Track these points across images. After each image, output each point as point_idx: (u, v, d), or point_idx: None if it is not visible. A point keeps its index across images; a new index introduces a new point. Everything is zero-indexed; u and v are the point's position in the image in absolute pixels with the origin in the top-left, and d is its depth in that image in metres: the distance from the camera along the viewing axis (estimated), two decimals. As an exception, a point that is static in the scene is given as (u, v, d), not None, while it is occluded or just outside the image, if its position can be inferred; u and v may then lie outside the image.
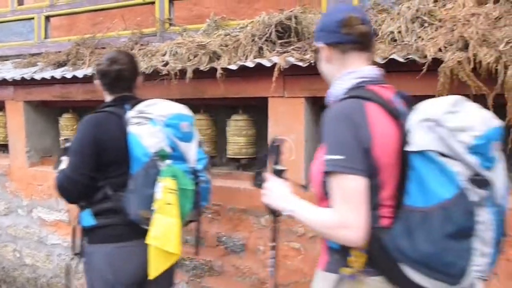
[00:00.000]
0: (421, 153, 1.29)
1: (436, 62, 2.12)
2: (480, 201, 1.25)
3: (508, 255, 2.21)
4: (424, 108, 1.34)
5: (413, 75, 2.20)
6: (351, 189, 1.31)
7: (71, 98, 3.45)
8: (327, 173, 1.36)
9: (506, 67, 1.98)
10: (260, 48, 2.74)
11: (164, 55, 2.95)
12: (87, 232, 2.12)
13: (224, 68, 2.64)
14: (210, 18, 3.37)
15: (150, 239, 1.91)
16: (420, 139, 1.30)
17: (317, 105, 2.72)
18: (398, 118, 1.39)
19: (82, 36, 3.84)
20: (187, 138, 2.06)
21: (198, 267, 3.01)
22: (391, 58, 2.23)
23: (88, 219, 2.08)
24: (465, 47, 2.10)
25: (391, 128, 1.37)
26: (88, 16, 4.60)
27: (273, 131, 2.66)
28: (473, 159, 1.24)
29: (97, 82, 2.22)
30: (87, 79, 3.19)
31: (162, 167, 1.94)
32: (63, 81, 3.35)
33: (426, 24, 2.39)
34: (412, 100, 1.49)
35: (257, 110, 2.93)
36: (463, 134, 1.25)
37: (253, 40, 2.76)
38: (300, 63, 2.44)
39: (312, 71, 2.44)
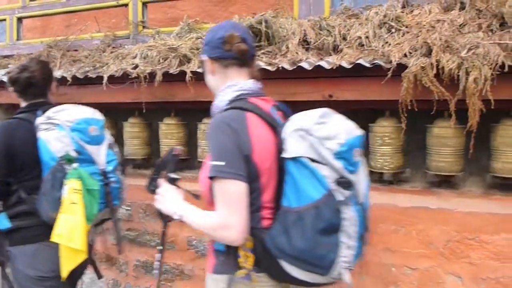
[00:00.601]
0: (295, 159, 1.43)
1: (401, 67, 2.14)
2: (345, 200, 1.41)
3: (471, 259, 2.25)
4: (297, 119, 1.50)
5: (379, 80, 2.22)
6: (231, 192, 1.43)
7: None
8: (211, 178, 1.46)
9: (467, 73, 2.02)
10: (231, 52, 2.73)
11: (134, 58, 2.92)
12: (6, 235, 2.19)
13: (194, 71, 2.63)
14: (184, 21, 3.35)
15: (54, 237, 1.97)
16: (293, 146, 1.44)
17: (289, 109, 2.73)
18: (275, 127, 1.53)
19: (54, 38, 3.79)
20: (95, 141, 2.16)
21: (169, 271, 2.99)
22: (357, 63, 2.25)
23: (4, 223, 2.16)
24: (429, 53, 2.13)
25: (269, 136, 1.51)
26: (63, 17, 4.54)
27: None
28: (338, 164, 1.40)
29: (11, 89, 2.30)
30: (58, 82, 3.14)
31: (68, 170, 2.02)
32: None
33: (393, 30, 2.42)
34: (289, 112, 1.64)
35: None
36: (329, 142, 1.41)
37: (224, 44, 2.75)
38: (269, 67, 2.45)
39: (281, 75, 2.46)
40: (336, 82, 2.40)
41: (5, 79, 3.34)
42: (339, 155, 1.41)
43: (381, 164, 2.47)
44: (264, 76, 2.48)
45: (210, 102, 2.78)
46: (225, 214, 1.43)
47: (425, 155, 2.46)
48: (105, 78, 2.85)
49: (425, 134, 2.44)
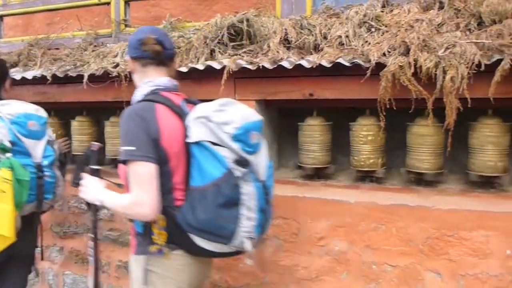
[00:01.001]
0: (197, 143, 1.65)
1: (380, 66, 2.16)
2: (243, 177, 1.64)
3: (450, 256, 2.28)
4: (199, 108, 1.73)
5: (359, 79, 2.23)
6: (142, 173, 1.63)
7: (20, 99, 3.34)
8: (124, 163, 1.68)
9: (444, 72, 2.04)
10: (212, 51, 2.73)
11: (115, 56, 2.91)
12: None
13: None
14: (166, 20, 3.34)
15: None
16: (195, 132, 1.66)
17: (269, 107, 2.73)
18: (182, 117, 1.74)
19: (36, 36, 3.75)
20: (34, 136, 2.31)
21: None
22: (337, 62, 2.26)
23: None
24: (407, 52, 2.15)
25: (176, 124, 1.72)
26: (45, 15, 4.50)
27: (225, 134, 2.66)
28: (236, 146, 1.65)
29: None
30: (37, 81, 3.12)
31: (2, 158, 2.14)
32: (13, 82, 3.25)
33: (373, 29, 2.43)
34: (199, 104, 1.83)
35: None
36: (227, 126, 1.64)
37: (206, 43, 2.74)
38: (250, 66, 2.45)
39: (262, 74, 2.46)
40: (316, 81, 2.41)
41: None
42: (236, 138, 1.65)
43: (362, 162, 2.48)
44: (246, 75, 2.52)
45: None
46: (137, 192, 1.63)
47: (405, 153, 2.48)
48: (86, 77, 2.82)
49: (405, 133, 2.46)
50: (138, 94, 1.84)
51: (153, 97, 1.77)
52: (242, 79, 2.57)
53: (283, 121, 2.98)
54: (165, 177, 1.68)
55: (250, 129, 1.70)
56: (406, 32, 2.21)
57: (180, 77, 2.61)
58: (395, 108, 2.17)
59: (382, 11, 2.53)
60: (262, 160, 1.76)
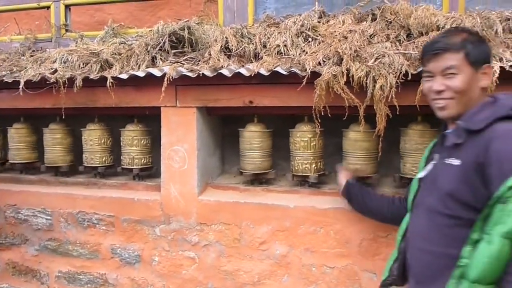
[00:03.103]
0: None
1: (315, 75, 2.24)
2: None
3: (384, 256, 2.37)
4: None
5: (296, 87, 2.30)
6: None
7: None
8: None
9: (375, 81, 2.14)
10: (154, 58, 2.73)
11: (54, 62, 2.84)
12: None
13: (115, 77, 2.60)
14: (108, 25, 3.30)
15: None
16: None
17: (211, 115, 2.76)
18: None
19: (-31, 39, 3.61)
20: None
21: (92, 281, 2.91)
22: (275, 71, 2.32)
23: None
24: (340, 61, 2.24)
25: None
26: (-19, 18, 4.32)
27: (167, 140, 2.66)
28: None
29: None
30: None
31: None
32: None
33: (310, 39, 2.52)
34: None
35: (153, 119, 2.91)
36: None
37: (147, 50, 2.74)
38: (190, 74, 2.47)
39: (203, 82, 2.49)
40: (256, 89, 2.46)
41: None
42: None
43: (301, 167, 2.56)
44: (187, 82, 2.54)
45: (133, 109, 2.80)
46: None
47: (342, 158, 2.58)
48: (22, 83, 2.74)
49: (342, 138, 2.56)
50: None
51: None
52: (183, 87, 2.59)
53: (226, 128, 3.02)
54: None
55: None
56: (339, 42, 2.31)
57: (120, 84, 2.62)
58: (330, 115, 2.25)
59: (319, 22, 2.64)
60: None
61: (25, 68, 2.95)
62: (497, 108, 1.52)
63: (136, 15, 4.08)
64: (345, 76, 2.17)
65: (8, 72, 2.96)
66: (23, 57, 3.17)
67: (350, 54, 2.21)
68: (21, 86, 2.74)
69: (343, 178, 2.34)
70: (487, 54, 1.63)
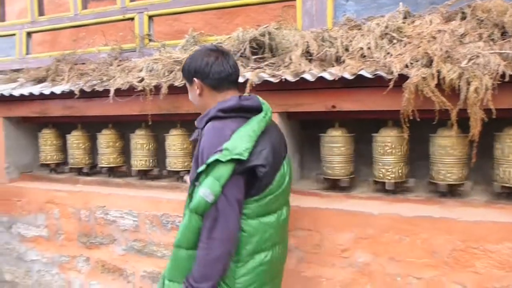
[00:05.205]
0: None
1: (403, 78, 2.16)
2: None
3: (476, 269, 2.24)
4: None
5: (381, 90, 2.24)
6: None
7: (49, 114, 3.45)
8: None
9: (468, 83, 2.03)
10: (235, 64, 2.77)
11: (140, 71, 2.98)
12: None
13: (198, 84, 2.66)
14: (189, 34, 3.40)
15: None
16: None
17: (292, 119, 2.76)
18: None
19: (62, 52, 3.86)
20: None
21: None
22: (359, 74, 2.28)
23: None
24: (430, 63, 2.15)
25: None
26: (71, 32, 4.62)
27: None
28: None
29: None
30: (66, 95, 3.22)
31: None
32: (42, 97, 3.36)
33: (394, 41, 2.44)
34: None
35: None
36: None
37: (228, 56, 2.78)
38: (272, 79, 2.48)
39: (284, 87, 2.49)
40: (338, 93, 2.42)
41: (15, 93, 3.43)
42: None
43: (384, 173, 2.48)
44: (268, 88, 2.55)
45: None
46: None
47: (428, 165, 2.47)
48: (112, 91, 2.90)
49: (428, 144, 2.45)
50: None
51: None
52: (265, 92, 2.60)
53: (305, 132, 2.99)
54: None
55: None
56: (428, 43, 2.21)
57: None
58: (418, 120, 2.17)
59: (404, 23, 2.54)
60: None
61: (114, 77, 3.11)
62: None
63: (213, 23, 4.18)
64: (435, 79, 2.08)
65: (99, 81, 3.14)
66: (111, 67, 3.35)
67: (441, 55, 2.11)
68: (111, 95, 2.90)
69: None
70: None
